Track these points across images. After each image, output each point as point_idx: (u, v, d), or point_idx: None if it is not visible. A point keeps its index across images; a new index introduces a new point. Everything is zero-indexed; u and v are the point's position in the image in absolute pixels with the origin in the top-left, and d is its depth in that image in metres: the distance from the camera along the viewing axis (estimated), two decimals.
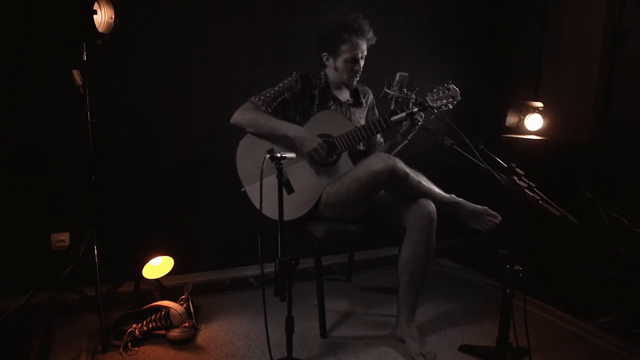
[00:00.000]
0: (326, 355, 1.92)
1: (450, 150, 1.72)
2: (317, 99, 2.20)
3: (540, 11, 3.30)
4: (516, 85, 3.40)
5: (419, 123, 1.98)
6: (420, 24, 3.10)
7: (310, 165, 2.10)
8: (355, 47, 2.11)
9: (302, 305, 2.31)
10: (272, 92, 2.16)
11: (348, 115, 2.24)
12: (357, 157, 2.10)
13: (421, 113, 1.97)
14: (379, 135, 2.34)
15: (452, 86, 2.02)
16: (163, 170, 2.54)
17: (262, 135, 2.10)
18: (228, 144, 2.13)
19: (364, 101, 2.34)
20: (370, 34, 2.15)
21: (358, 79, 2.22)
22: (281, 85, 2.18)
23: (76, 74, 2.01)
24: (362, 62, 2.18)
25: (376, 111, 2.40)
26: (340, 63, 2.16)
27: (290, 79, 2.20)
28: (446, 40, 3.19)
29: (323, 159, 2.06)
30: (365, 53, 2.16)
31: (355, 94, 2.32)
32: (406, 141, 2.16)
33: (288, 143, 2.06)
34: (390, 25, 2.90)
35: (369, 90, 2.40)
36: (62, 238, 2.39)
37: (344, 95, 2.30)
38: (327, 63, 2.21)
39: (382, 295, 2.52)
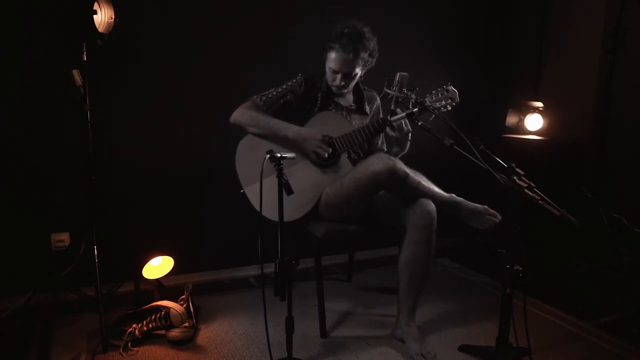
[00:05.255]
0: (326, 355, 1.92)
1: (450, 150, 1.72)
2: (319, 102, 2.19)
3: (540, 11, 3.30)
4: (516, 85, 3.40)
5: (419, 123, 1.98)
6: (420, 24, 3.10)
7: (310, 166, 2.09)
8: (336, 59, 2.05)
9: (302, 305, 2.31)
10: (275, 93, 2.15)
11: (348, 120, 2.21)
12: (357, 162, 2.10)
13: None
14: (380, 142, 2.33)
15: (451, 88, 2.02)
16: (163, 169, 2.53)
17: (262, 135, 2.09)
18: (228, 143, 2.13)
19: (368, 108, 2.29)
20: (363, 55, 2.06)
21: (344, 91, 2.18)
22: (284, 87, 2.17)
23: (76, 74, 2.01)
24: (345, 80, 2.09)
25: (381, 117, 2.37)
26: (326, 69, 2.14)
27: (294, 81, 2.19)
28: (446, 41, 3.19)
29: (324, 158, 2.06)
30: (349, 71, 2.07)
31: (359, 100, 2.28)
32: (408, 143, 2.13)
33: (289, 144, 2.06)
34: (391, 25, 2.90)
35: (376, 97, 2.33)
36: (62, 238, 2.39)
37: (347, 100, 2.27)
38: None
39: (382, 295, 2.52)
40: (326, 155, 2.05)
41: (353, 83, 2.18)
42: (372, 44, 2.10)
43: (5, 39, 2.19)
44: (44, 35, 2.23)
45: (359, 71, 2.12)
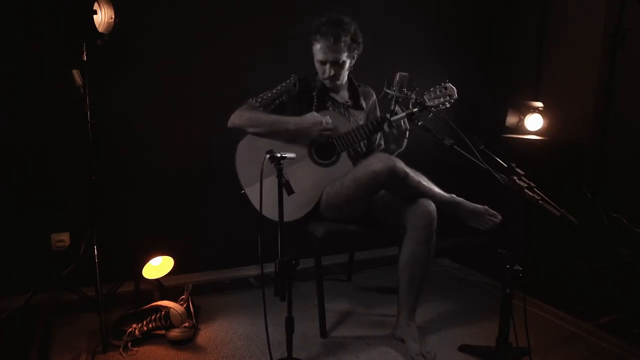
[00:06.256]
0: (326, 355, 1.92)
1: (450, 150, 1.72)
2: (315, 100, 2.19)
3: (540, 11, 3.31)
4: (516, 85, 3.40)
5: (419, 123, 1.98)
6: (420, 24, 3.10)
7: (310, 166, 2.09)
8: (320, 49, 2.07)
9: (302, 305, 2.30)
10: (270, 94, 2.16)
11: (346, 117, 2.22)
12: (357, 161, 2.10)
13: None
14: (378, 139, 2.33)
15: (449, 85, 2.03)
16: (163, 169, 2.54)
17: (262, 134, 2.09)
18: (228, 143, 2.13)
19: (364, 103, 2.31)
20: (345, 39, 2.04)
21: (337, 82, 2.17)
22: (279, 88, 2.18)
23: (76, 74, 2.01)
24: (334, 69, 2.09)
25: (378, 113, 2.37)
26: (315, 64, 2.15)
27: (288, 81, 2.19)
28: (446, 41, 3.19)
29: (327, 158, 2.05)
30: (335, 58, 2.07)
31: (355, 95, 2.29)
32: (405, 140, 2.15)
33: (291, 137, 2.06)
34: (391, 26, 2.91)
35: (372, 93, 2.35)
36: (62, 238, 2.39)
37: (343, 97, 2.27)
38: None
39: (382, 295, 2.52)
40: (332, 126, 2.04)
41: (344, 73, 2.16)
42: (353, 27, 2.10)
43: (5, 39, 2.18)
44: (44, 36, 2.23)
45: (345, 58, 2.11)
